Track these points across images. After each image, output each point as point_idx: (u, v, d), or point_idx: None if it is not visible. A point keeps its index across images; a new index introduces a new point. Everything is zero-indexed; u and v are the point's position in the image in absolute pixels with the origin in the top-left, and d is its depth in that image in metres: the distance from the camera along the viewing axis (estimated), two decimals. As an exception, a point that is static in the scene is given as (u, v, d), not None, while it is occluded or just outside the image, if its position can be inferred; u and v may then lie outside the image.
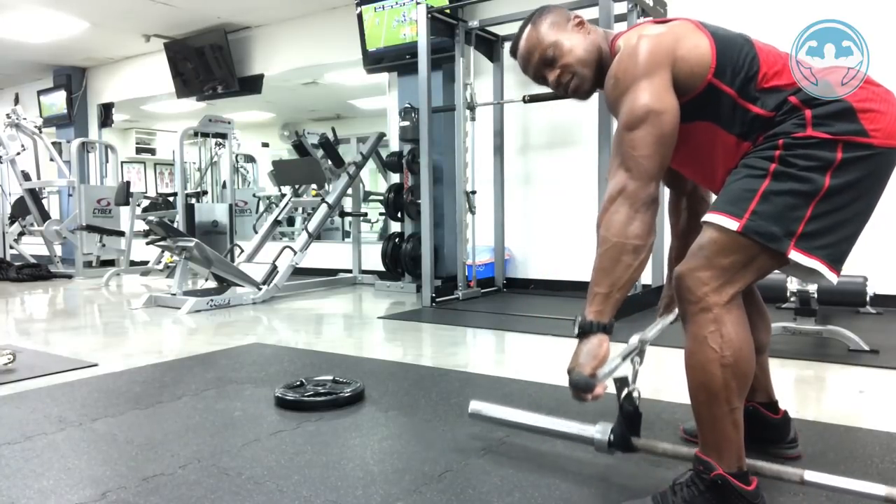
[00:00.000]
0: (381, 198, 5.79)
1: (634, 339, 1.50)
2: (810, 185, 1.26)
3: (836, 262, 1.30)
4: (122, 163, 9.39)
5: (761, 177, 1.30)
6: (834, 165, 1.26)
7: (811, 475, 1.33)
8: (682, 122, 1.37)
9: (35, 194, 7.44)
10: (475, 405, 1.86)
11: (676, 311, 1.52)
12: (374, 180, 8.97)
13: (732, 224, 1.29)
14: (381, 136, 6.04)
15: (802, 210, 1.27)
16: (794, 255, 1.27)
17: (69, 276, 6.92)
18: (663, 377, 2.55)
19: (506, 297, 5.13)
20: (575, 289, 5.03)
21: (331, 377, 2.42)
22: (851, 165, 1.26)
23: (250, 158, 10.47)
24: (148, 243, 5.29)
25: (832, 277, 1.29)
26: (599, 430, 1.55)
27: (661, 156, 1.33)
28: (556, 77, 1.52)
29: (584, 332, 1.34)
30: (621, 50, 1.42)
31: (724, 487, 1.30)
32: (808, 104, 1.30)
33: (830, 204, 1.27)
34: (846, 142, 1.26)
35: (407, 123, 5.36)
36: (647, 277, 4.53)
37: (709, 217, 1.34)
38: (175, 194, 7.05)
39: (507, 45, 5.37)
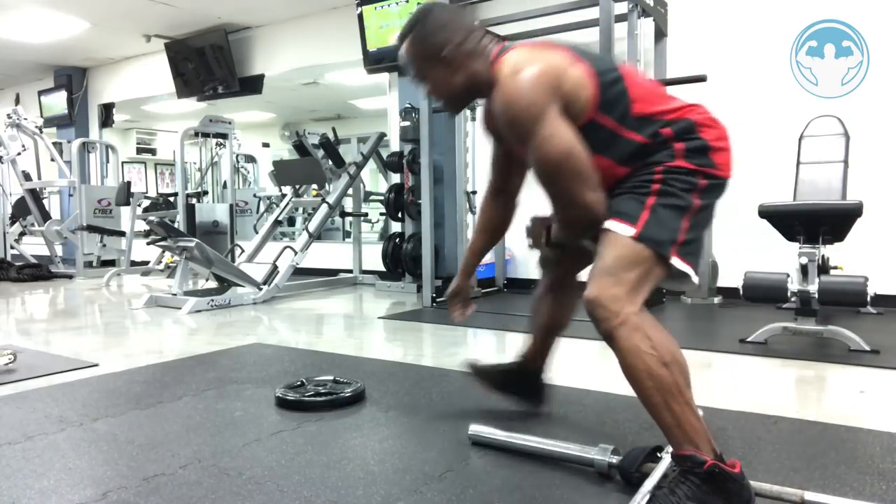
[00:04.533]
0: (382, 198, 5.78)
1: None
2: (685, 201, 1.48)
3: (697, 268, 1.51)
4: (122, 163, 9.38)
5: (646, 194, 1.49)
6: (698, 188, 1.49)
7: (811, 496, 1.38)
8: None
9: (36, 194, 7.44)
10: (475, 428, 1.86)
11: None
12: (375, 180, 8.97)
13: (629, 230, 1.44)
14: (382, 136, 6.04)
15: (680, 223, 1.47)
16: (675, 262, 1.45)
17: (70, 277, 6.92)
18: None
19: (506, 297, 5.12)
20: (575, 289, 5.04)
21: (331, 377, 2.42)
22: (708, 191, 1.51)
23: (251, 158, 10.47)
24: (149, 243, 5.29)
25: (696, 280, 1.50)
26: (599, 453, 1.59)
27: (590, 179, 1.46)
28: (427, 93, 1.72)
29: None
30: (506, 79, 1.48)
31: (720, 475, 1.33)
32: (677, 138, 1.50)
33: (696, 219, 1.49)
34: (704, 172, 1.50)
35: (407, 123, 5.36)
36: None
37: (607, 224, 1.48)
38: (176, 194, 7.05)
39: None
